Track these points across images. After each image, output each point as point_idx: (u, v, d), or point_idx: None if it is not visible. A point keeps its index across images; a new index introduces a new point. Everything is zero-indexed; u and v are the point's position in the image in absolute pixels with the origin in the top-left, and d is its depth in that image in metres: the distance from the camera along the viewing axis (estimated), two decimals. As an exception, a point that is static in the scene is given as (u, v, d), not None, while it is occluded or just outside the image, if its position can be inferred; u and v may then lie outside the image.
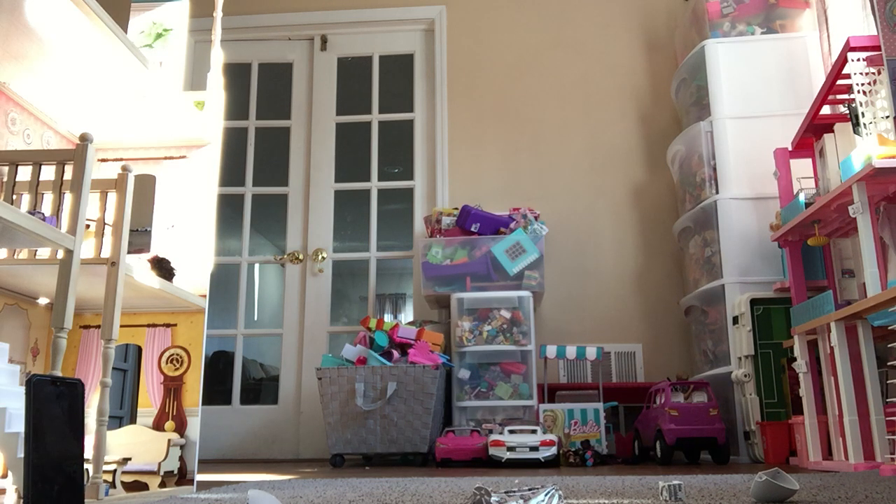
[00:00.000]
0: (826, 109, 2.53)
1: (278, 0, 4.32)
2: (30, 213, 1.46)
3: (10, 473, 1.35)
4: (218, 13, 2.35)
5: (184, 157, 2.32)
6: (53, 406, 1.17)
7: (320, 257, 3.99)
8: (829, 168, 2.44)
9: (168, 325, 2.17)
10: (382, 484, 1.88)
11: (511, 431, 2.81)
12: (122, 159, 2.22)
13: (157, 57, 2.23)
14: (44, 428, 1.13)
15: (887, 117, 2.07)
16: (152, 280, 1.88)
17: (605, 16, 4.14)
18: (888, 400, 2.04)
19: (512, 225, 3.45)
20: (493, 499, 0.95)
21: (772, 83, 3.26)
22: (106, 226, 1.70)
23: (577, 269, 3.80)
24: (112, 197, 1.70)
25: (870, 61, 2.18)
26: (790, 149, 2.72)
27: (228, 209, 3.99)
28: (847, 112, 2.38)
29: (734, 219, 3.13)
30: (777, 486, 1.22)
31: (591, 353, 3.09)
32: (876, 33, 2.07)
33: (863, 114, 2.16)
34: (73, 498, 1.17)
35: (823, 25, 3.22)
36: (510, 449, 2.74)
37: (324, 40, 4.30)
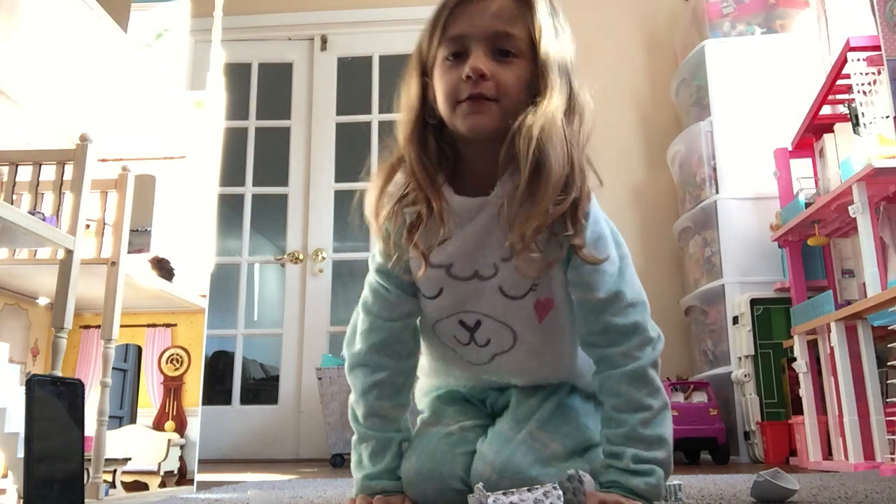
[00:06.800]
0: (826, 109, 2.52)
1: (278, 0, 4.32)
2: (30, 213, 1.47)
3: (10, 473, 1.35)
4: (218, 13, 2.35)
5: (184, 157, 2.32)
6: (53, 406, 1.17)
7: (320, 257, 3.99)
8: (829, 168, 2.44)
9: (168, 325, 2.17)
10: (382, 484, 1.88)
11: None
12: (122, 159, 2.22)
13: (157, 57, 2.23)
14: (44, 428, 1.13)
15: (887, 117, 2.07)
16: (152, 280, 1.88)
17: (605, 16, 4.13)
18: (888, 400, 2.04)
19: (512, 225, 3.44)
20: (491, 499, 0.95)
21: (772, 83, 3.26)
22: (106, 226, 1.70)
23: (577, 269, 3.79)
24: (112, 197, 1.70)
25: (870, 61, 2.18)
26: (790, 149, 2.72)
27: (228, 209, 3.99)
28: (847, 112, 2.38)
29: (734, 219, 3.12)
30: (777, 486, 1.22)
31: (591, 353, 3.08)
32: (876, 33, 2.07)
33: (863, 114, 2.16)
34: (73, 498, 1.17)
35: (823, 25, 3.22)
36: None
37: (324, 40, 4.29)
